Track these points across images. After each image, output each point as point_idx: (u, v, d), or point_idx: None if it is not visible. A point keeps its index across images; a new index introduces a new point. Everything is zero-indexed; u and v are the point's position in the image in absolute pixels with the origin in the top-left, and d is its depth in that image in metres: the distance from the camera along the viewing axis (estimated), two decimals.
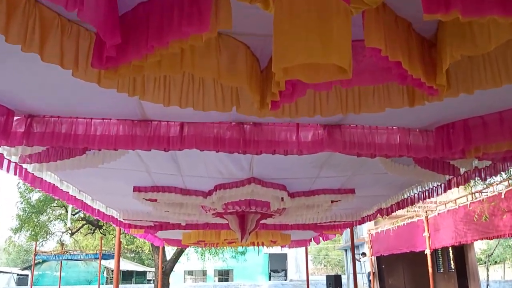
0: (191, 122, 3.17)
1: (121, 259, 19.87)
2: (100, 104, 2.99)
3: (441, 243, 11.01)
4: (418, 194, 5.18)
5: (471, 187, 12.08)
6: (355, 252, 22.97)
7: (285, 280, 37.24)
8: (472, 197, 9.63)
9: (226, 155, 4.02)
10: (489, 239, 9.74)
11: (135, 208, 6.55)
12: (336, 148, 3.26)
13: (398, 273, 22.50)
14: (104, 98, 2.90)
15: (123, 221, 7.16)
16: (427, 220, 11.27)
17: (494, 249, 25.02)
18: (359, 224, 7.71)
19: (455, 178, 4.35)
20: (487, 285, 21.87)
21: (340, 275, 15.38)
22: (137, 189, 4.95)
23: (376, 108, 2.34)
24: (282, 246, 12.28)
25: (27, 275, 29.94)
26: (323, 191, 5.06)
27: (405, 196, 5.58)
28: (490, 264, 27.07)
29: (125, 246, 28.84)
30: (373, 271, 16.96)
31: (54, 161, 3.67)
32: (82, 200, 5.59)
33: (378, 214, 6.58)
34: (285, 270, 39.90)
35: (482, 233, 9.05)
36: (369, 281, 19.81)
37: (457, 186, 4.40)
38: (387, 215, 6.32)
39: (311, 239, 11.81)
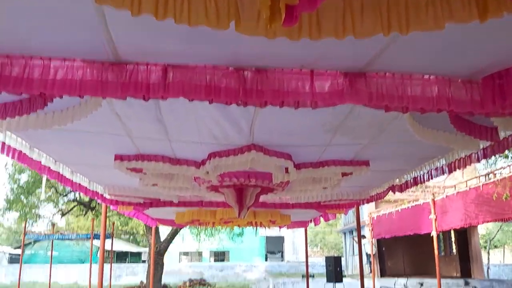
0: (177, 65, 2.49)
1: (115, 240, 19.33)
2: (59, 38, 2.30)
3: (449, 225, 10.54)
4: (442, 167, 4.53)
5: (490, 165, 11.56)
6: (354, 235, 22.58)
7: (282, 261, 37.08)
8: (485, 178, 9.09)
9: (222, 114, 3.36)
10: (504, 221, 9.26)
11: (121, 182, 5.90)
12: (359, 100, 2.59)
13: (397, 256, 22.27)
14: (63, 29, 2.22)
15: (109, 197, 6.52)
16: (434, 202, 10.71)
17: (496, 234, 24.68)
18: (367, 203, 7.10)
19: (491, 146, 3.70)
20: (488, 268, 21.80)
21: (340, 257, 14.90)
22: (118, 157, 4.29)
23: (431, 23, 1.64)
24: (280, 227, 11.70)
25: (19, 254, 29.59)
26: (334, 162, 4.39)
27: (424, 171, 4.94)
28: (489, 249, 26.90)
29: (120, 228, 28.36)
30: (373, 253, 16.50)
31: (12, 116, 3.00)
32: (59, 172, 4.92)
33: (390, 191, 5.96)
34: (282, 252, 39.70)
35: (496, 214, 8.57)
36: (369, 262, 19.49)
37: (494, 155, 3.75)
38: (401, 192, 5.68)
39: (311, 220, 11.24)
